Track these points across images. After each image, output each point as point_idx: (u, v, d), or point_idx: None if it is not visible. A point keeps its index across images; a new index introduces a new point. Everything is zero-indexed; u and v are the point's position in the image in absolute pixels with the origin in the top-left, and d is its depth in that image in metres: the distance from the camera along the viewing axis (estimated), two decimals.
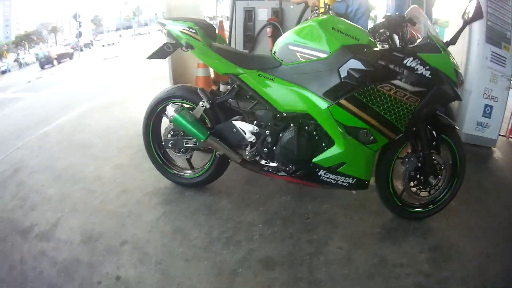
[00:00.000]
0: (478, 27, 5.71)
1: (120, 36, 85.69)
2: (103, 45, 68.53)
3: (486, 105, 5.86)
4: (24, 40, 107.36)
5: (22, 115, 12.16)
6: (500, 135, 6.11)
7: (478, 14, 3.34)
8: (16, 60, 64.17)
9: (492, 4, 5.71)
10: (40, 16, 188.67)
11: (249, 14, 6.25)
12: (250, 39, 6.18)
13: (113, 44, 69.50)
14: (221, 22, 6.46)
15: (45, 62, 46.85)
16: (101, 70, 24.47)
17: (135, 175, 4.98)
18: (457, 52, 5.69)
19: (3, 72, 58.98)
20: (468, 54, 5.89)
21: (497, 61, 5.75)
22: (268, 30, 5.52)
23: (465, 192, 4.26)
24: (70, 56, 48.81)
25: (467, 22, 3.41)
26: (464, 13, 3.41)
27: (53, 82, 23.93)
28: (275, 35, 5.81)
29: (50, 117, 9.33)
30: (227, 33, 6.95)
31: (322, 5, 4.16)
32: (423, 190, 3.77)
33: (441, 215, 3.91)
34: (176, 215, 4.06)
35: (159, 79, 10.76)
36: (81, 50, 51.57)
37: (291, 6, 5.77)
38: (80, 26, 48.25)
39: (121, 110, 8.63)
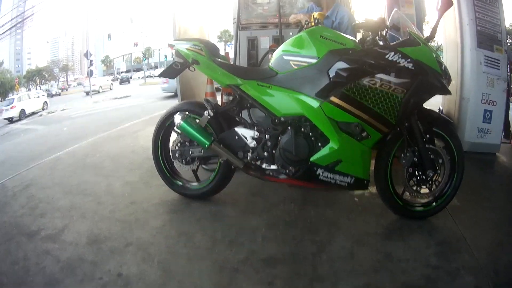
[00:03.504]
0: (468, 33, 5.85)
1: (131, 77, 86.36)
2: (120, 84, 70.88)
3: (485, 111, 5.93)
4: (36, 76, 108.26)
5: (35, 143, 12.43)
6: (503, 142, 6.17)
7: (447, 2, 3.54)
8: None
9: (479, 9, 5.85)
10: (51, 52, 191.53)
11: (252, 43, 6.40)
12: (254, 66, 6.28)
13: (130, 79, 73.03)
14: (226, 53, 6.61)
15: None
16: (112, 107, 24.63)
17: (144, 190, 5.08)
18: (451, 62, 5.78)
19: None
20: (462, 61, 6.01)
21: (491, 64, 5.84)
22: (270, 56, 5.62)
23: (471, 192, 4.36)
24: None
25: (440, 13, 3.58)
26: (437, 5, 3.57)
27: (65, 117, 24.20)
28: None
29: (62, 145, 9.54)
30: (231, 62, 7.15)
31: (312, 20, 4.30)
32: (423, 186, 3.81)
33: (446, 214, 3.94)
34: (182, 221, 4.13)
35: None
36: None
37: (290, 33, 5.91)
38: (91, 64, 48.40)
39: (132, 139, 8.82)
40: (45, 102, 40.54)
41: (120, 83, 71.77)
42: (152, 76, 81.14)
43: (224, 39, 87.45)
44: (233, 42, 7.37)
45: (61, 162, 7.18)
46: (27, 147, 12.00)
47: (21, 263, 3.61)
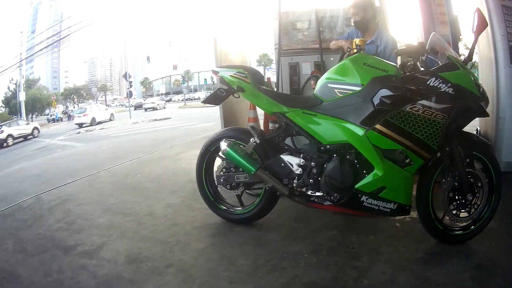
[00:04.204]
0: (501, 50, 5.71)
1: (171, 100, 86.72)
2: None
3: None
4: (73, 94, 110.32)
5: (73, 159, 12.41)
6: None
7: (482, 23, 3.52)
8: (64, 112, 65.82)
9: (511, 24, 5.71)
10: (88, 72, 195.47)
11: (294, 69, 6.39)
12: (296, 92, 6.28)
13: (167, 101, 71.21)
14: (268, 78, 6.60)
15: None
16: (152, 128, 24.79)
17: (186, 213, 5.07)
18: (487, 80, 5.68)
19: (53, 121, 62.44)
20: (497, 79, 5.82)
21: None
22: (312, 82, 5.61)
23: (507, 214, 4.26)
24: None
25: (477, 35, 3.56)
26: (472, 27, 3.56)
27: (103, 136, 24.23)
28: None
29: (101, 163, 9.62)
30: (275, 89, 7.13)
31: (354, 46, 4.28)
32: (462, 210, 3.75)
33: (483, 237, 3.86)
34: (224, 245, 4.10)
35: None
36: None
37: (331, 59, 5.96)
38: (130, 86, 49.40)
39: (174, 161, 8.84)
40: (112, 114, 47.87)
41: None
42: (191, 99, 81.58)
43: (263, 63, 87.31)
44: (272, 67, 7.36)
45: (100, 181, 7.28)
46: (64, 163, 11.97)
47: (55, 276, 3.66)
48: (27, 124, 41.18)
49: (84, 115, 42.75)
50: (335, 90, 3.74)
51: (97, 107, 48.19)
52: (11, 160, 20.58)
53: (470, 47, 3.70)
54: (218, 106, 7.11)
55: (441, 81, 3.38)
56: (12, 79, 79.71)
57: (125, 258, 3.90)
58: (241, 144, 4.26)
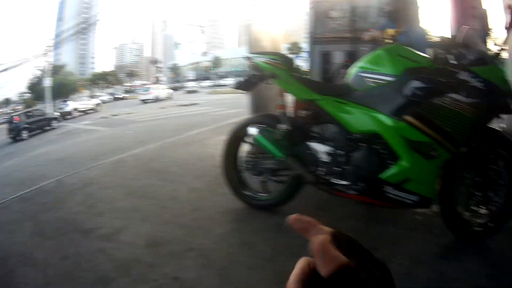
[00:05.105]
0: None
1: (200, 85, 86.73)
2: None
3: None
4: (101, 80, 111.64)
5: (97, 143, 12.61)
6: None
7: None
8: (91, 97, 66.60)
9: None
10: (117, 58, 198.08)
11: (326, 58, 6.41)
12: (328, 81, 6.28)
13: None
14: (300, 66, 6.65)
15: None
16: (179, 114, 24.81)
17: (210, 197, 5.10)
18: None
19: None
20: None
21: None
22: (344, 71, 5.64)
23: None
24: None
25: (509, 30, 3.52)
26: (506, 24, 3.51)
27: (129, 120, 24.47)
28: None
29: (126, 147, 9.67)
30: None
31: (388, 36, 4.25)
32: (482, 207, 3.71)
33: (503, 237, 3.79)
34: (246, 231, 4.12)
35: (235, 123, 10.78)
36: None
37: (363, 48, 5.90)
38: (160, 72, 50.93)
39: (199, 147, 8.84)
40: (172, 93, 56.92)
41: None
42: (220, 85, 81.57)
43: (294, 51, 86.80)
44: (302, 55, 7.34)
45: (124, 164, 7.34)
46: (88, 147, 12.17)
47: (72, 259, 3.70)
48: (89, 100, 50.82)
49: (149, 93, 51.89)
50: (368, 79, 3.71)
51: (158, 87, 57.11)
52: (34, 144, 21.06)
53: (499, 43, 3.67)
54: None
55: (471, 75, 3.33)
56: (38, 66, 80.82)
57: (145, 242, 3.93)
58: (271, 130, 4.22)
